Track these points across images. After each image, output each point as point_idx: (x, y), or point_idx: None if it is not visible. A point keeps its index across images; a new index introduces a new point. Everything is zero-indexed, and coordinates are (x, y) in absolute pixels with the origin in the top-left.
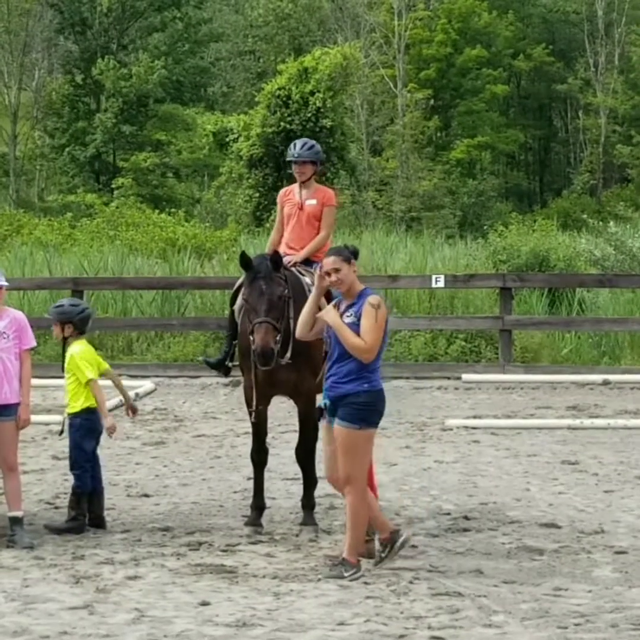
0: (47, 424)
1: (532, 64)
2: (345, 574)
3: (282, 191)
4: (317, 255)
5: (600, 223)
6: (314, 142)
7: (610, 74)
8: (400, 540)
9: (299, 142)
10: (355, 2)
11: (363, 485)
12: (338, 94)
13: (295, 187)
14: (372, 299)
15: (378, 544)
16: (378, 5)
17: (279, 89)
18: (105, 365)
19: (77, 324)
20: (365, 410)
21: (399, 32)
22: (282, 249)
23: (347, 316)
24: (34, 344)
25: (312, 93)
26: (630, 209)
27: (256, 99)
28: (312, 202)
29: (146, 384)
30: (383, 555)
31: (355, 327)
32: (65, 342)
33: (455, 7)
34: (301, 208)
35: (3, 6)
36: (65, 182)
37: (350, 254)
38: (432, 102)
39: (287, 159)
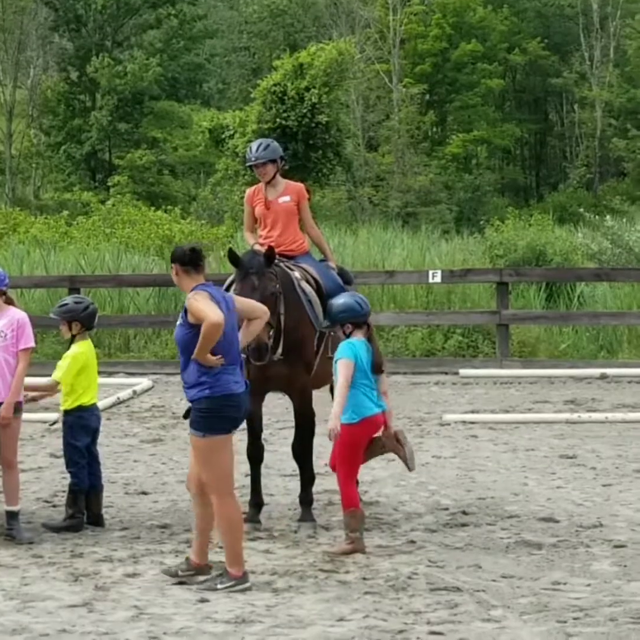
0: (44, 422)
1: (527, 58)
2: (219, 586)
3: (250, 191)
4: (292, 249)
5: (597, 217)
6: (270, 140)
7: (606, 68)
8: (245, 585)
9: (254, 145)
10: None
11: (224, 492)
12: (333, 90)
13: (262, 186)
14: (190, 294)
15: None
16: (373, 0)
17: (275, 85)
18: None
19: (84, 320)
20: (208, 418)
21: (393, 27)
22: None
23: (179, 319)
24: (32, 344)
25: (307, 89)
26: (627, 203)
27: (251, 95)
28: (285, 199)
29: (143, 382)
30: (181, 573)
31: (182, 329)
32: (72, 340)
33: (450, 2)
34: (268, 207)
35: None
36: (61, 180)
37: (174, 257)
38: (427, 97)
39: (246, 163)
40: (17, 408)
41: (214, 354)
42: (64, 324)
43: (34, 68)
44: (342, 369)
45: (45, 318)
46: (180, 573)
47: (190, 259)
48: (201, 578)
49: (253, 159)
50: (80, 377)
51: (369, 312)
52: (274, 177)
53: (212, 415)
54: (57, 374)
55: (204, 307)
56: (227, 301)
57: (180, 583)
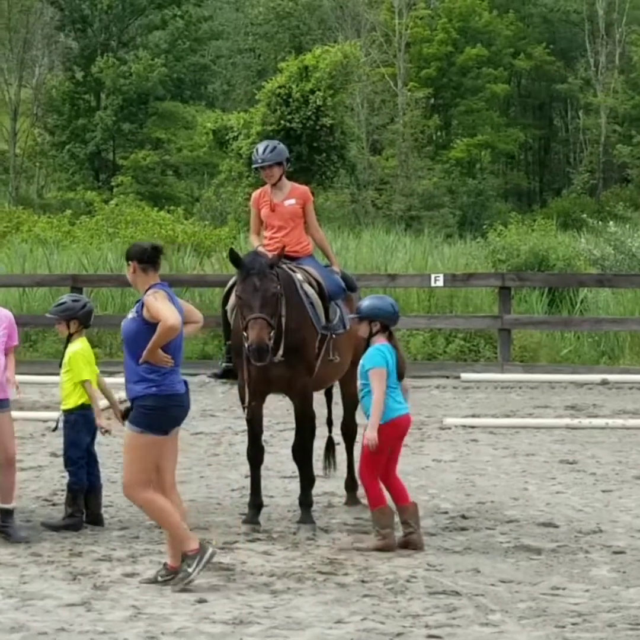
0: (45, 420)
1: (532, 63)
2: (190, 570)
3: (256, 194)
4: (296, 251)
5: (600, 223)
6: (276, 142)
7: (611, 74)
8: (209, 553)
9: (261, 147)
10: (355, 1)
11: (140, 484)
12: (338, 93)
13: (268, 188)
14: (149, 291)
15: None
16: (378, 3)
17: (279, 87)
18: (91, 376)
19: (82, 318)
20: (152, 415)
21: (399, 31)
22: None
23: (131, 313)
24: (17, 342)
25: (312, 91)
26: (630, 209)
27: (256, 97)
28: (291, 201)
29: None
30: (161, 579)
31: (134, 323)
32: (69, 339)
33: (455, 6)
34: (274, 210)
35: (3, 3)
36: (65, 179)
37: (132, 254)
38: (432, 101)
39: (253, 165)
40: (5, 404)
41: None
42: (61, 323)
43: (39, 67)
44: (377, 379)
45: (46, 316)
46: (160, 579)
47: (149, 257)
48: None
49: (259, 161)
50: None
51: (399, 317)
52: (279, 179)
53: (156, 413)
54: (81, 376)
55: (164, 307)
56: (178, 303)
57: (184, 590)
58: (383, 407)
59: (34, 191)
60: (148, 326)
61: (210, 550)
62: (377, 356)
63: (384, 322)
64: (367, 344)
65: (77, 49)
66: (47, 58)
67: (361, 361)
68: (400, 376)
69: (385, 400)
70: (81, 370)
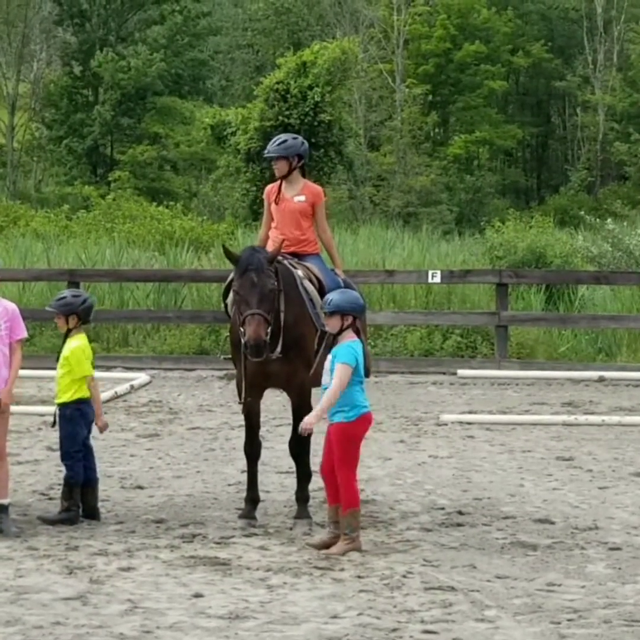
0: (42, 415)
1: (530, 61)
2: None
3: (269, 187)
4: (305, 249)
5: (598, 220)
6: (289, 136)
7: (609, 72)
8: None
9: (274, 139)
10: None
11: None
12: (336, 89)
13: (281, 182)
14: None
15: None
16: (377, 0)
17: (278, 83)
18: (92, 372)
19: (81, 314)
20: None
21: (397, 27)
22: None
23: None
24: (25, 335)
25: (310, 87)
26: (628, 207)
27: (254, 93)
28: (300, 198)
29: (141, 376)
30: None
31: None
32: (67, 334)
33: (454, 3)
34: (285, 203)
35: None
36: (63, 174)
37: None
38: (430, 97)
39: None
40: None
41: None
42: (60, 317)
43: (38, 61)
44: (342, 374)
45: (44, 311)
46: None
47: None
48: None
49: (267, 151)
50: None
51: (365, 309)
52: (288, 174)
53: None
54: (83, 371)
55: None
56: None
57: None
58: (334, 402)
59: (32, 186)
60: None
61: None
62: (349, 354)
63: (356, 315)
64: (334, 340)
65: (76, 43)
66: (45, 52)
67: (330, 355)
68: (367, 373)
69: (357, 396)
70: (83, 366)
